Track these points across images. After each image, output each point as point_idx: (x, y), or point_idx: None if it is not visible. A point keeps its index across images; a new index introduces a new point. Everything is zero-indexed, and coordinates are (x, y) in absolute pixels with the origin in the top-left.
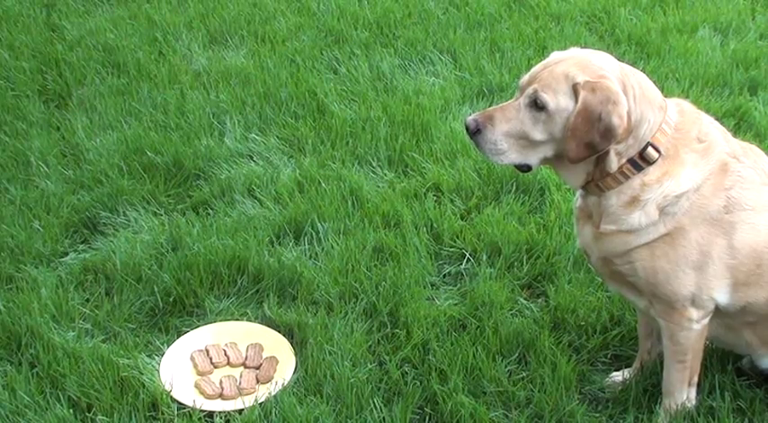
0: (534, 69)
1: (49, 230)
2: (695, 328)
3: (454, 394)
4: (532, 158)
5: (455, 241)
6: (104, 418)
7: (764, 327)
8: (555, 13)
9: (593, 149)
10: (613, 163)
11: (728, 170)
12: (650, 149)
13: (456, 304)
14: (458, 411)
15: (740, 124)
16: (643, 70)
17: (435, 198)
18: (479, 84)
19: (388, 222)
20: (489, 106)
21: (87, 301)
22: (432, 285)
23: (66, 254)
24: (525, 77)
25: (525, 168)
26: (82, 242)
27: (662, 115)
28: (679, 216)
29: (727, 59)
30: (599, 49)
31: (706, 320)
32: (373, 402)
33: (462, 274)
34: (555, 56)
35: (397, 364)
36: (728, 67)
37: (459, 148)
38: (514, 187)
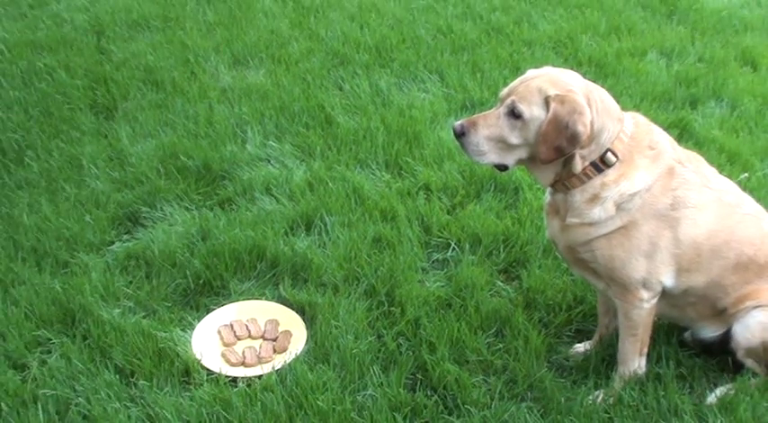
0: (513, 84)
1: (98, 223)
2: (645, 306)
3: (441, 363)
4: (509, 159)
5: (442, 233)
6: (145, 382)
7: (703, 305)
8: (527, 39)
9: (561, 153)
10: (578, 165)
11: (675, 174)
12: (609, 154)
13: (443, 286)
14: (444, 377)
15: (682, 134)
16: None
17: (425, 196)
18: (463, 99)
19: (385, 217)
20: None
21: (130, 283)
22: (422, 270)
23: (113, 243)
24: (505, 90)
25: (503, 168)
26: (126, 233)
27: (620, 126)
28: (633, 212)
29: (672, 79)
30: (567, 69)
31: (654, 300)
32: (373, 369)
33: (448, 261)
34: (530, 73)
35: (392, 337)
36: (672, 85)
37: (446, 153)
38: (493, 187)
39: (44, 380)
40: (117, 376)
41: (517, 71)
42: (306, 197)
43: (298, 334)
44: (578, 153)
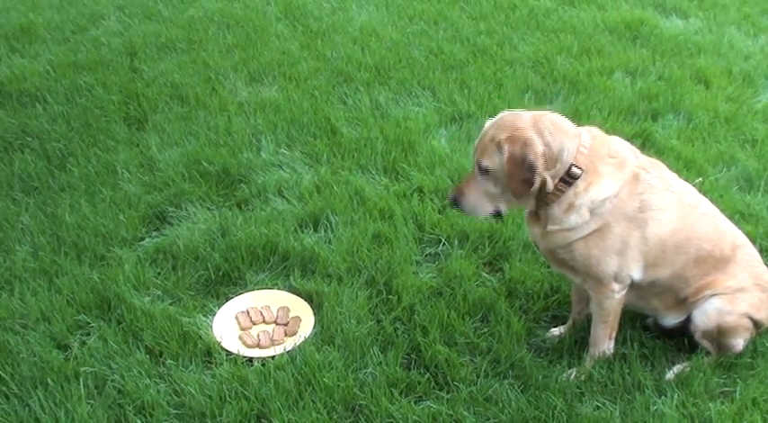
0: (476, 142)
1: (130, 221)
2: (617, 297)
3: (433, 344)
4: (501, 205)
5: (434, 230)
6: (172, 361)
7: (667, 295)
8: (508, 59)
9: (529, 183)
10: (550, 185)
11: (640, 179)
12: (573, 168)
13: (434, 277)
14: (436, 357)
15: (645, 143)
16: (573, 102)
17: (419, 197)
18: (452, 112)
19: (383, 216)
20: (459, 128)
21: (159, 274)
22: (416, 263)
23: (143, 239)
24: (473, 150)
25: (498, 214)
26: (155, 230)
27: (577, 141)
28: (605, 215)
29: (635, 95)
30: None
31: (624, 292)
32: (372, 350)
33: (439, 255)
34: (487, 124)
35: (390, 322)
36: (636, 100)
37: (437, 160)
38: None
39: (84, 359)
40: (147, 356)
41: (501, 88)
42: (313, 198)
43: (306, 319)
44: (548, 175)
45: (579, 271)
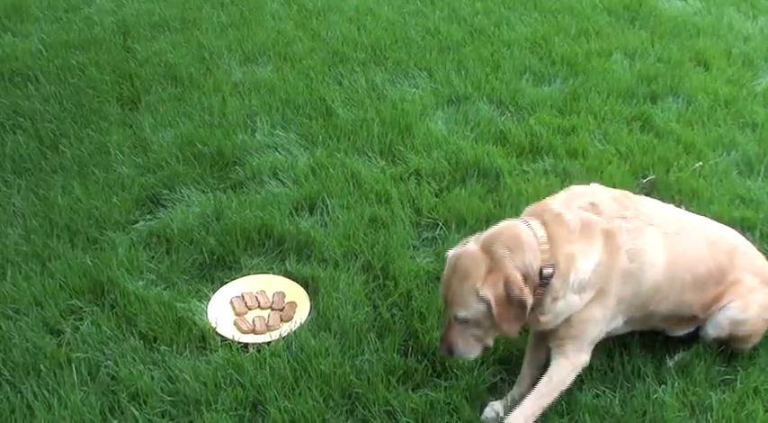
0: (442, 291)
1: (123, 204)
2: (582, 368)
3: (431, 331)
4: (488, 341)
5: (431, 214)
6: (166, 347)
7: (672, 319)
8: (506, 40)
9: (520, 318)
10: (530, 298)
11: (615, 234)
12: (544, 270)
13: (432, 262)
14: (434, 344)
15: (644, 126)
16: (572, 85)
17: (416, 181)
18: (449, 93)
19: (380, 199)
20: (456, 110)
21: (152, 258)
22: (413, 247)
23: (137, 222)
24: (441, 299)
25: (487, 349)
26: (148, 213)
27: (535, 244)
28: (598, 285)
29: (634, 77)
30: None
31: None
32: (369, 337)
33: (436, 239)
34: (447, 266)
35: (387, 308)
36: (635, 82)
37: (434, 142)
38: (476, 173)
39: (77, 344)
40: (141, 342)
41: (498, 69)
42: (309, 181)
43: (302, 305)
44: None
45: (565, 335)
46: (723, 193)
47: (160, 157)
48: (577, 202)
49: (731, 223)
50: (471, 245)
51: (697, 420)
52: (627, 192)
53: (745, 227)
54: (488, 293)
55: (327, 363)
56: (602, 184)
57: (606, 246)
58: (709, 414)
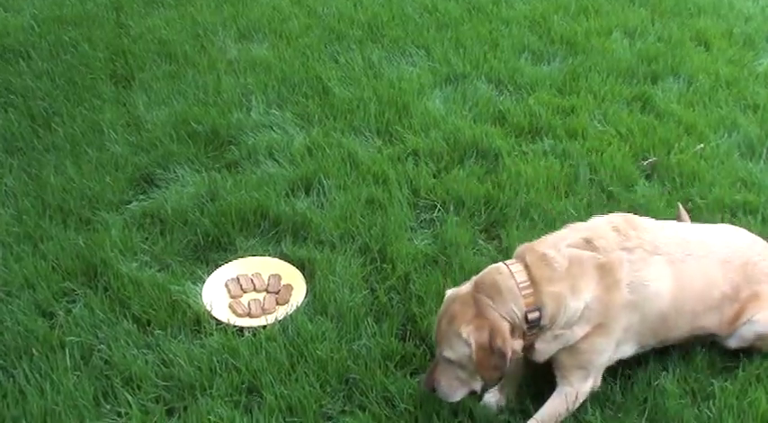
0: (436, 328)
1: (117, 184)
2: (587, 396)
3: (429, 315)
4: (475, 386)
5: (429, 195)
6: (160, 331)
7: (689, 342)
8: (505, 18)
9: (500, 370)
10: (518, 345)
11: (613, 266)
12: (530, 315)
13: (430, 244)
14: (432, 328)
15: (644, 107)
16: (571, 64)
17: (414, 161)
18: (447, 72)
19: (377, 180)
20: (454, 89)
21: (146, 239)
22: (411, 229)
23: (130, 202)
24: (435, 336)
25: (473, 393)
26: (142, 193)
27: (515, 290)
28: (596, 321)
29: (634, 56)
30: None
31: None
32: (367, 321)
33: (435, 221)
34: (443, 304)
35: (385, 291)
36: (635, 62)
37: (432, 122)
38: (475, 153)
39: (70, 328)
40: (135, 325)
41: (496, 47)
42: (305, 161)
43: (298, 287)
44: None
45: (570, 365)
46: (724, 176)
47: (154, 136)
48: (569, 240)
49: (733, 207)
50: (466, 286)
51: (698, 408)
52: (630, 215)
53: (746, 211)
54: (471, 338)
55: (324, 347)
56: (604, 169)
57: (602, 281)
58: (710, 402)
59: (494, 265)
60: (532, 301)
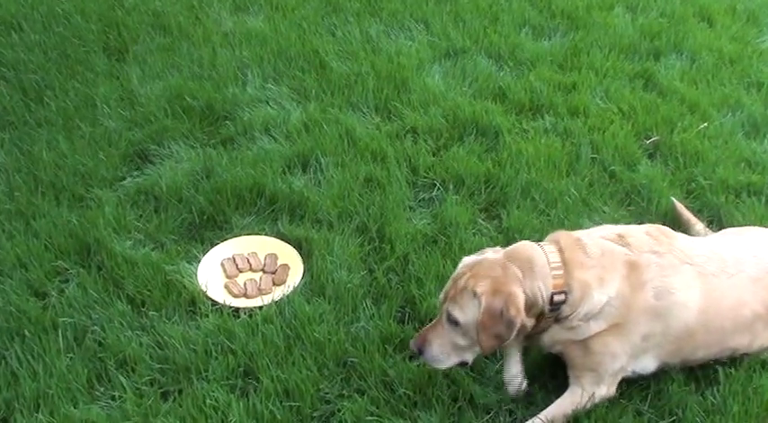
0: (446, 286)
1: (110, 160)
2: (603, 399)
3: (429, 297)
4: (468, 356)
5: (428, 173)
6: (155, 312)
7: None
8: None
9: (501, 340)
10: (529, 325)
11: (640, 266)
12: (555, 297)
13: (429, 224)
14: (432, 311)
15: (647, 84)
16: (572, 39)
17: (413, 138)
18: (446, 47)
19: (375, 157)
20: (454, 64)
21: (140, 217)
22: (410, 208)
23: (124, 179)
24: (441, 295)
25: (464, 364)
26: (136, 169)
27: (546, 269)
28: (614, 320)
29: (637, 32)
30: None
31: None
32: (365, 303)
33: (434, 200)
34: (461, 265)
35: (383, 272)
36: (638, 38)
37: (431, 98)
38: (475, 130)
39: (62, 308)
40: (129, 306)
41: (496, 22)
42: (302, 137)
43: (295, 267)
44: (527, 320)
45: (581, 366)
46: (728, 155)
47: (148, 111)
48: (602, 232)
49: (737, 188)
50: (491, 254)
51: (703, 394)
52: (663, 227)
53: (750, 192)
54: (484, 299)
55: (321, 329)
56: (606, 148)
57: (628, 278)
58: (715, 388)
59: (526, 242)
60: (561, 283)
